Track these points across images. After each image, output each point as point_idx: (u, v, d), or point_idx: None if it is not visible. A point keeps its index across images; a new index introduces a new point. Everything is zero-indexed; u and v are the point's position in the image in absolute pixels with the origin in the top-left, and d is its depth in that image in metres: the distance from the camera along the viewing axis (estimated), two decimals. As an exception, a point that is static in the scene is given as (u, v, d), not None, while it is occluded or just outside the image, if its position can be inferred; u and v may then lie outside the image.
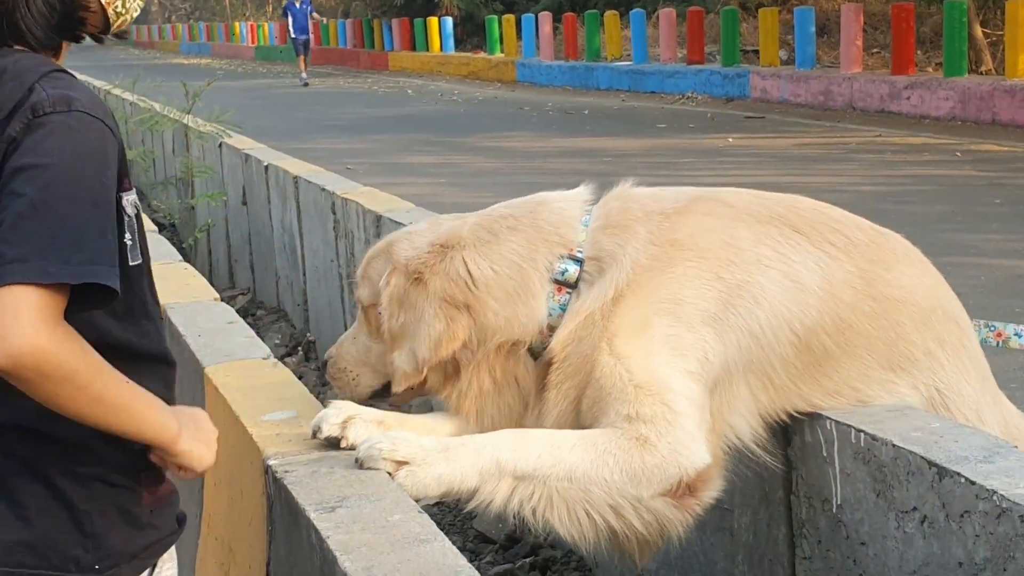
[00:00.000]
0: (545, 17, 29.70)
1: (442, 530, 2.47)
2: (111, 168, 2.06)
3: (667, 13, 25.38)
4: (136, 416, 2.09)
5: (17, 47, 2.13)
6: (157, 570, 2.31)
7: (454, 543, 2.42)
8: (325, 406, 3.03)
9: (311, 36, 32.91)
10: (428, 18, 35.45)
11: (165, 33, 63.86)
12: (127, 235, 2.15)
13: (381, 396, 3.23)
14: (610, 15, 27.47)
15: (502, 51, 31.73)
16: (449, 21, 35.20)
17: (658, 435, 2.76)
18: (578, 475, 2.76)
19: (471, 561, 2.87)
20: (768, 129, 17.49)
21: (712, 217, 2.96)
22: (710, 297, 2.86)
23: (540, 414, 2.98)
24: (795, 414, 2.99)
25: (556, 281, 2.97)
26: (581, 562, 4.40)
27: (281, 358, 6.44)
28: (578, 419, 2.92)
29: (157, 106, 11.75)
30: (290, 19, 32.46)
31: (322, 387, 7.32)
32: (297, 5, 32.49)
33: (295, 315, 8.58)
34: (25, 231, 1.94)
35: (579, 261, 2.98)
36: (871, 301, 2.99)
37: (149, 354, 2.24)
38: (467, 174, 13.87)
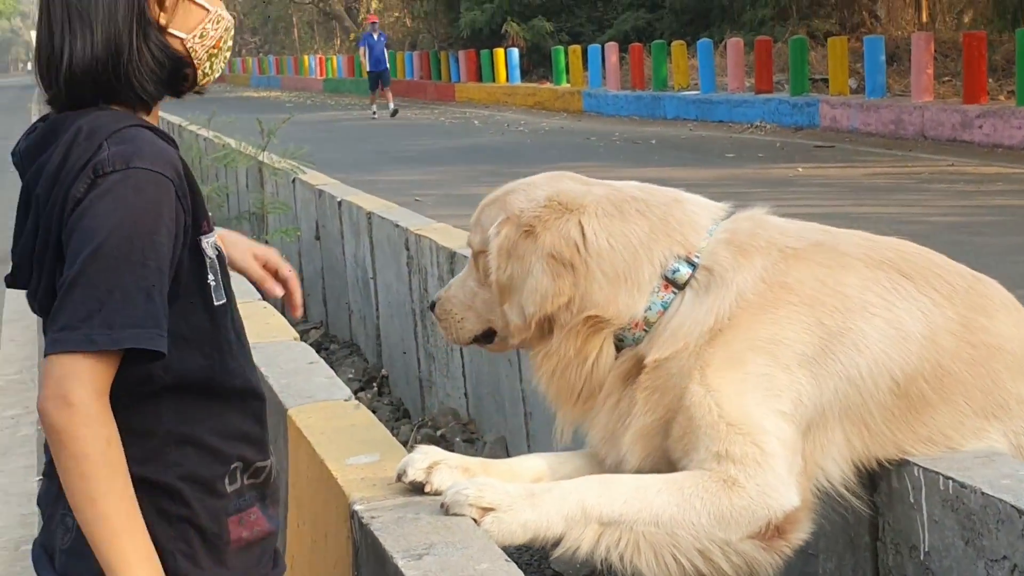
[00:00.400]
0: (611, 47, 29.73)
1: (519, 569, 2.47)
2: (166, 224, 2.09)
3: (735, 42, 25.33)
4: (115, 547, 2.02)
5: (113, 106, 2.17)
6: None
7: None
8: (409, 451, 3.05)
9: (388, 66, 32.74)
10: (494, 49, 35.63)
11: (235, 67, 64.63)
12: (210, 276, 2.21)
13: (481, 342, 3.28)
14: (677, 45, 27.44)
15: (568, 81, 31.80)
16: (515, 52, 35.34)
17: (747, 476, 2.76)
18: (665, 519, 2.75)
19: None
20: (838, 158, 17.35)
21: (824, 267, 2.96)
22: (809, 341, 2.86)
23: (620, 412, 2.99)
24: (885, 463, 2.98)
25: (665, 278, 2.98)
26: (660, 603, 4.37)
27: (355, 392, 6.46)
28: (665, 443, 2.92)
29: (232, 142, 11.89)
30: (366, 50, 32.25)
31: (395, 423, 7.36)
32: (375, 36, 32.38)
33: (368, 349, 8.64)
34: (75, 298, 2.02)
35: (693, 265, 2.99)
36: (970, 348, 2.97)
37: (236, 391, 2.27)
38: (536, 206, 13.86)
